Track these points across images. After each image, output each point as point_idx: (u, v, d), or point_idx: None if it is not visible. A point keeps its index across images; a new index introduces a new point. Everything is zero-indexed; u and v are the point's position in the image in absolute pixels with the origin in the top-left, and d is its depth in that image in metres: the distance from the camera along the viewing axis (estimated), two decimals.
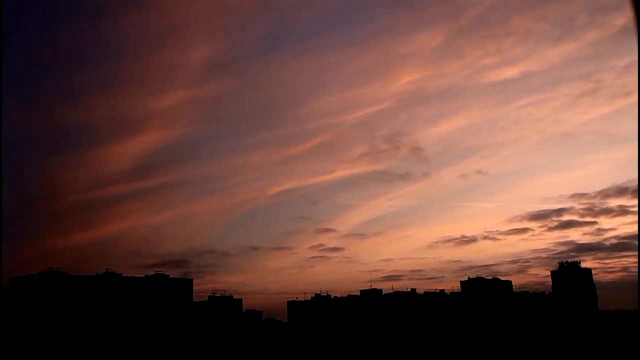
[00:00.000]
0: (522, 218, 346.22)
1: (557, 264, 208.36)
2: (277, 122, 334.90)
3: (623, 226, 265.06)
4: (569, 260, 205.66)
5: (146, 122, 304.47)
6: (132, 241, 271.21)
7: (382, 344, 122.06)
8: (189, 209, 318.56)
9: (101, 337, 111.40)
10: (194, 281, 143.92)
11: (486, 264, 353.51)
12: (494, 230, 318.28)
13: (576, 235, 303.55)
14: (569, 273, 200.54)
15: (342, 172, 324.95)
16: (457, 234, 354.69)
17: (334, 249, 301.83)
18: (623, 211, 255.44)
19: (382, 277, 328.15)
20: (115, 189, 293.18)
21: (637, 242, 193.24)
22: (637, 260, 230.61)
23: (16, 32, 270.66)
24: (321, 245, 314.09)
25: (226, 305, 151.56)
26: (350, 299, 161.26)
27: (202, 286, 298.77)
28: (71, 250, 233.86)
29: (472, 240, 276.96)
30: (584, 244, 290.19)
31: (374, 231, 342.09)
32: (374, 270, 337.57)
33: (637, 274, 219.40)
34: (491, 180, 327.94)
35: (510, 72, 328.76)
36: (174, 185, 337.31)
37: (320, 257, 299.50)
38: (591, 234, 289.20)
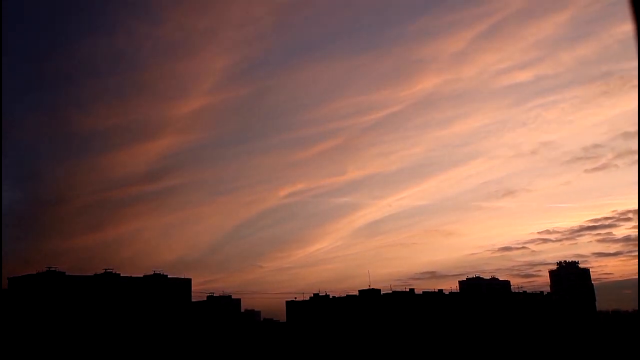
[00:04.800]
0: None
1: (557, 264, 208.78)
2: (289, 126, 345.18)
3: (551, 250, 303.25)
4: (568, 261, 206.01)
5: (160, 129, 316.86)
6: (140, 242, 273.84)
7: (380, 343, 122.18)
8: (198, 211, 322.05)
9: (100, 337, 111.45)
10: (194, 281, 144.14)
11: (457, 273, 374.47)
12: None
13: (518, 254, 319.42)
14: (567, 273, 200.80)
15: (353, 174, 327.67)
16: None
17: (340, 250, 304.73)
18: (544, 240, 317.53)
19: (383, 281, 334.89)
20: (125, 191, 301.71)
21: (556, 264, 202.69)
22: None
23: (36, 44, 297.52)
24: (327, 245, 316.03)
25: (225, 305, 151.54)
26: (348, 298, 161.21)
27: (203, 286, 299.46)
28: (78, 251, 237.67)
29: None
30: (531, 259, 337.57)
31: (380, 232, 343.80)
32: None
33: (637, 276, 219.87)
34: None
35: (524, 76, 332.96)
36: (185, 187, 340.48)
37: (325, 257, 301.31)
38: (529, 254, 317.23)
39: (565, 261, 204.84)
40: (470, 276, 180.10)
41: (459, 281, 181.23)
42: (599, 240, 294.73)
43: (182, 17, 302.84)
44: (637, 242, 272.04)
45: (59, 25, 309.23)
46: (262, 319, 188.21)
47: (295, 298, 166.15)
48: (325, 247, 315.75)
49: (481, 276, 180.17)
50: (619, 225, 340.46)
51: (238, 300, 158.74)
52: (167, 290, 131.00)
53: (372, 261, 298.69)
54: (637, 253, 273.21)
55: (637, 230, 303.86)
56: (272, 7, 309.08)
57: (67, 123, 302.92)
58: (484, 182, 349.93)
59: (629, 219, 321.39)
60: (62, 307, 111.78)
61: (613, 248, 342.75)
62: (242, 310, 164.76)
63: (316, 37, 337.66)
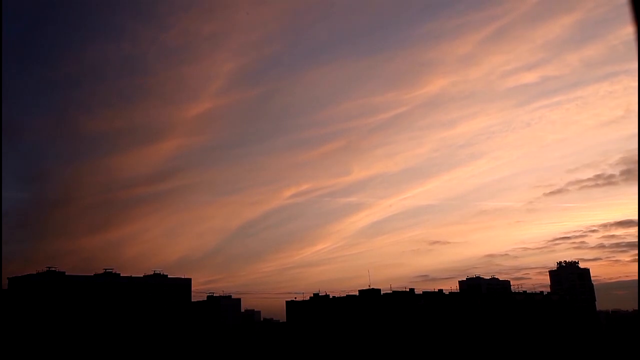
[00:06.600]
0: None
1: (557, 264, 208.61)
2: (295, 127, 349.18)
3: (533, 255, 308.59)
4: (568, 261, 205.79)
5: (166, 132, 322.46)
6: (144, 242, 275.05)
7: (380, 343, 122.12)
8: (203, 212, 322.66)
9: (100, 337, 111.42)
10: (198, 281, 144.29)
11: (449, 276, 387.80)
12: None
13: (502, 259, 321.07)
14: (567, 273, 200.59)
15: (358, 175, 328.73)
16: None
17: (341, 250, 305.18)
18: (523, 249, 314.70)
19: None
20: (130, 192, 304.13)
21: (556, 264, 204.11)
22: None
23: (45, 48, 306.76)
24: (330, 245, 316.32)
25: (225, 304, 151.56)
26: (348, 298, 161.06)
27: (205, 286, 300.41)
28: (82, 252, 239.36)
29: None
30: (516, 264, 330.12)
31: (380, 233, 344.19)
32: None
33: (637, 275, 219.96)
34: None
35: (530, 77, 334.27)
36: (190, 188, 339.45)
37: (327, 257, 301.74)
38: (512, 259, 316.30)
39: (565, 261, 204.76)
40: (470, 276, 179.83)
41: (459, 281, 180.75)
42: (575, 248, 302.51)
43: (188, 22, 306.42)
44: (613, 249, 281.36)
45: (67, 30, 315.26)
46: (262, 319, 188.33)
47: (295, 298, 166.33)
48: (327, 247, 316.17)
49: (481, 276, 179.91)
50: (590, 236, 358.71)
51: (238, 300, 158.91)
52: (167, 290, 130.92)
53: (372, 262, 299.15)
54: (616, 258, 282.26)
55: (609, 239, 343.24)
56: (279, 10, 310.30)
57: (73, 125, 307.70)
58: (466, 192, 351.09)
59: (596, 231, 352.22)
60: (62, 307, 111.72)
61: (591, 254, 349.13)
62: (242, 310, 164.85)
63: (322, 40, 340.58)
